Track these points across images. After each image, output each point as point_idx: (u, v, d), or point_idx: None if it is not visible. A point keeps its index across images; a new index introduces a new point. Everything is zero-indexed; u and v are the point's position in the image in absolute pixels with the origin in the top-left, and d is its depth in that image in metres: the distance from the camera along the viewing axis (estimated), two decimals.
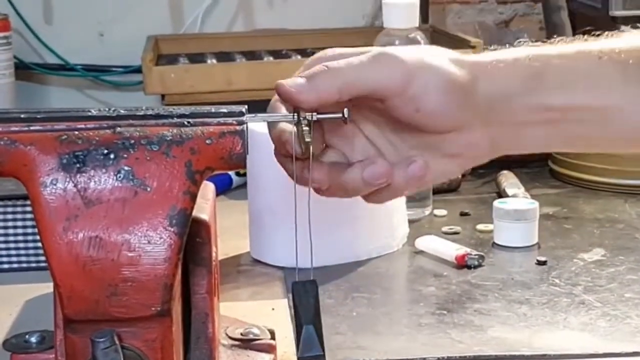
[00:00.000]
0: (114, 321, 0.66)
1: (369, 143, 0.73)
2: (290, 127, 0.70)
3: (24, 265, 1.09)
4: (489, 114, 0.71)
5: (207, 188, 0.85)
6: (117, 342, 0.64)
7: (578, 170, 1.36)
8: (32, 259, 1.08)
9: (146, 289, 0.65)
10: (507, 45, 0.73)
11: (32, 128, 0.67)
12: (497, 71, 0.71)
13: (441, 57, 0.70)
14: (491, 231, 1.13)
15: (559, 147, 0.76)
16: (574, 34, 1.51)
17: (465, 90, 0.70)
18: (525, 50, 0.71)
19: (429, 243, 1.09)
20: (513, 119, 0.71)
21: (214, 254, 0.78)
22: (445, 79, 0.69)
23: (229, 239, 1.12)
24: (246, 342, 0.83)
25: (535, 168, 1.43)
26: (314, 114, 0.69)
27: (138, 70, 1.50)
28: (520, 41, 0.73)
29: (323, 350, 0.66)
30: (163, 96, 1.44)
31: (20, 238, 1.08)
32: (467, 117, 0.70)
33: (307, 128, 0.68)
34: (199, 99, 1.39)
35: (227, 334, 0.83)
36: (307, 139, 0.68)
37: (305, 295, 0.67)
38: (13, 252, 1.08)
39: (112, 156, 0.66)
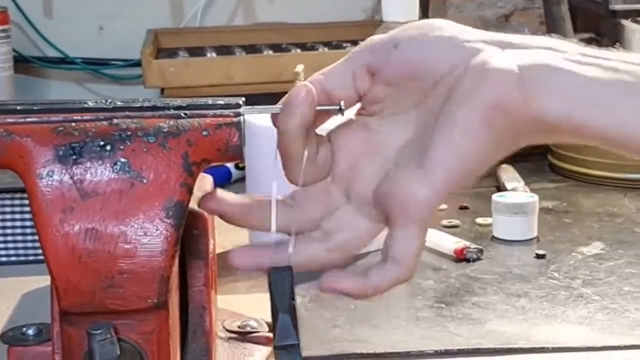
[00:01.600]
0: (110, 313, 0.65)
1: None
2: None
3: (22, 258, 1.08)
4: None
5: (205, 180, 0.85)
6: (113, 334, 0.64)
7: (578, 164, 1.36)
8: (30, 252, 1.08)
9: (142, 281, 0.65)
10: None
11: (28, 120, 0.67)
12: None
13: None
14: (490, 225, 1.13)
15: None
16: (574, 28, 1.51)
17: (463, 31, 0.64)
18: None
19: (428, 236, 1.07)
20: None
21: (211, 247, 0.78)
22: (432, 25, 0.65)
23: (228, 232, 1.11)
24: (243, 335, 0.83)
25: (535, 162, 1.43)
26: None
27: (138, 64, 1.50)
28: None
29: (298, 339, 0.66)
30: (162, 90, 1.44)
31: (18, 231, 1.08)
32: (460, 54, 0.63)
33: None
34: (199, 92, 1.39)
35: (224, 327, 0.83)
36: None
37: (281, 282, 0.67)
38: (11, 245, 1.08)
39: (108, 148, 0.66)
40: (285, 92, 0.71)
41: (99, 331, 0.64)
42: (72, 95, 1.65)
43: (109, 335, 0.64)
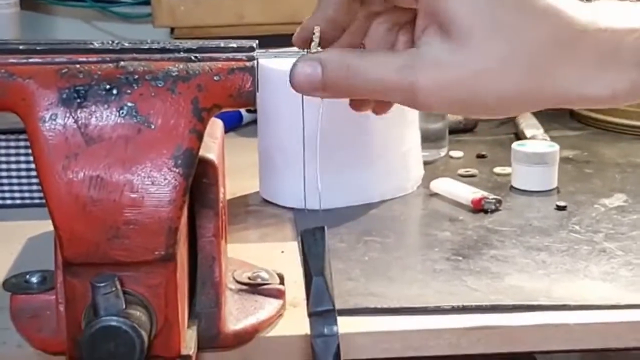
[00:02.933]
0: (116, 265, 0.63)
1: None
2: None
3: (27, 201, 1.05)
4: None
5: (215, 125, 0.82)
6: (118, 287, 0.61)
7: (599, 112, 1.32)
8: (36, 195, 1.05)
9: (149, 232, 0.62)
10: None
11: (31, 60, 0.64)
12: None
13: None
14: (509, 174, 1.10)
15: None
16: None
17: None
18: None
19: (445, 185, 1.06)
20: None
21: (221, 196, 0.75)
22: None
23: (239, 178, 1.09)
24: (254, 287, 0.80)
25: (556, 109, 1.39)
26: None
27: (147, 2, 1.46)
28: None
29: (333, 304, 0.63)
30: (172, 29, 1.40)
31: (23, 173, 1.05)
32: None
33: None
34: (210, 32, 1.36)
35: (234, 278, 0.81)
36: None
37: (314, 244, 0.64)
38: (16, 187, 1.05)
39: (114, 92, 0.63)
40: None
41: (103, 284, 0.61)
42: (80, 33, 1.62)
43: (113, 288, 0.61)
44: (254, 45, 0.65)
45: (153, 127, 0.62)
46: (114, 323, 0.60)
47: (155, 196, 0.62)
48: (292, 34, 0.68)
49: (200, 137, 0.63)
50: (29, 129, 0.63)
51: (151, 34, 1.46)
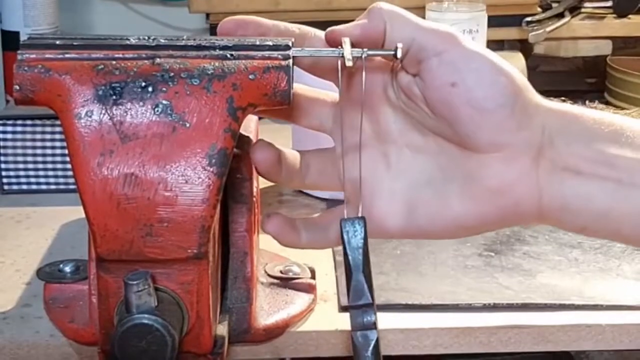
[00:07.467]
0: (149, 262, 0.63)
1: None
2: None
3: (62, 187, 1.06)
4: (544, 147, 0.61)
5: (250, 118, 0.82)
6: (151, 284, 0.62)
7: (636, 104, 1.31)
8: (71, 180, 1.05)
9: (182, 231, 0.62)
10: None
11: (67, 56, 0.64)
12: (562, 108, 0.63)
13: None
14: None
15: (613, 228, 0.64)
16: None
17: (523, 100, 0.61)
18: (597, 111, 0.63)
19: None
20: (568, 161, 0.61)
21: (254, 190, 0.75)
22: (498, 69, 0.61)
23: None
24: (285, 281, 0.80)
25: (592, 100, 1.38)
26: (365, 50, 0.65)
27: None
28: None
29: (372, 298, 0.63)
30: (208, 15, 1.40)
31: (58, 159, 1.06)
32: (516, 136, 0.61)
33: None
34: None
35: (266, 271, 0.81)
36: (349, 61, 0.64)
37: (354, 235, 0.64)
38: (50, 172, 1.06)
39: (150, 89, 0.63)
40: (335, 22, 0.67)
41: (136, 281, 0.61)
42: (116, 14, 1.62)
43: (146, 286, 0.62)
44: (290, 43, 0.65)
45: (188, 125, 0.62)
46: (145, 321, 0.61)
47: (188, 195, 0.62)
48: (327, 22, 0.67)
49: (234, 136, 0.63)
50: (65, 125, 0.63)
51: (187, 18, 1.46)
